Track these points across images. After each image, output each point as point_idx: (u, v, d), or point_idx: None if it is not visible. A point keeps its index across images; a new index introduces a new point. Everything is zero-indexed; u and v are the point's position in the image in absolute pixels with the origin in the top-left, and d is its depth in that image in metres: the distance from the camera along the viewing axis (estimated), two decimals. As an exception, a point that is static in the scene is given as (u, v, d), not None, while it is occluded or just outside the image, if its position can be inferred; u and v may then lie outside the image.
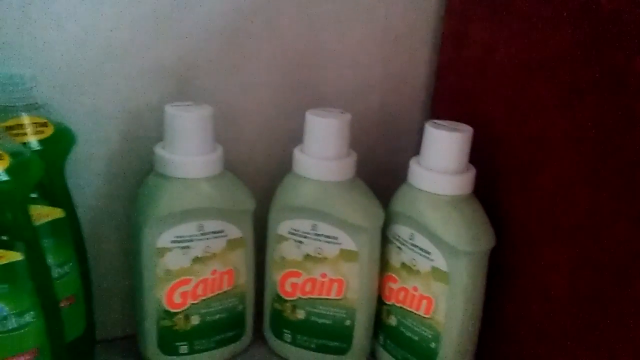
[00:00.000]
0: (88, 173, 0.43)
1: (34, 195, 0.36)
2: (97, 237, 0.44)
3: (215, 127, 0.41)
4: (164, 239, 0.41)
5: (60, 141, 0.38)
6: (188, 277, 0.42)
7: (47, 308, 0.33)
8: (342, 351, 0.46)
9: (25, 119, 0.36)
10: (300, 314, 0.45)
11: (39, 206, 0.36)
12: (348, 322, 0.45)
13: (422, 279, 0.42)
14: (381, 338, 0.46)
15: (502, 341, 0.44)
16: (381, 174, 0.49)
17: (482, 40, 0.44)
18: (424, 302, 0.42)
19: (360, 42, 0.47)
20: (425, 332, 0.43)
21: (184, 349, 0.44)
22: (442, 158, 0.41)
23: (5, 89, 0.35)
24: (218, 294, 0.44)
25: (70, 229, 0.39)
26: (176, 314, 0.43)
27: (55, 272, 0.38)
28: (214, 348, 0.45)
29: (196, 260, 0.42)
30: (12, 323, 0.32)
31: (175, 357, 0.44)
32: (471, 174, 0.41)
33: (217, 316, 0.44)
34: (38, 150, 0.36)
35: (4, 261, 0.31)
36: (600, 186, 0.35)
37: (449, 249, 0.40)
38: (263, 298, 0.47)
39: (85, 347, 0.43)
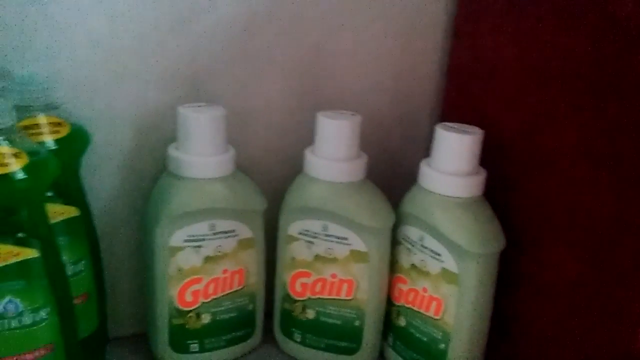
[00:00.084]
0: (102, 172, 0.43)
1: (49, 194, 0.36)
2: (111, 235, 0.45)
3: (228, 128, 0.41)
4: (177, 238, 0.41)
5: (75, 141, 0.38)
6: (199, 276, 0.42)
7: (61, 305, 0.34)
8: (351, 351, 0.46)
9: (42, 119, 0.36)
10: (310, 314, 0.46)
11: (54, 204, 0.37)
12: (357, 323, 0.45)
13: (431, 280, 0.42)
14: (390, 339, 0.47)
15: (511, 342, 0.44)
16: (392, 175, 0.49)
17: (493, 42, 0.44)
18: (434, 303, 0.42)
19: (371, 44, 0.47)
20: (435, 333, 0.43)
21: (194, 347, 0.44)
22: (452, 160, 0.41)
23: (22, 89, 0.36)
24: (229, 293, 0.44)
25: (84, 227, 0.40)
26: (187, 312, 0.43)
27: (69, 270, 0.38)
28: (224, 347, 0.45)
29: (208, 259, 0.42)
30: (27, 319, 0.32)
31: (185, 355, 0.44)
32: (481, 176, 0.41)
33: (228, 315, 0.45)
34: (54, 149, 0.36)
35: (20, 258, 0.32)
36: (610, 190, 0.35)
37: (459, 251, 0.40)
38: (273, 298, 0.47)
39: (98, 344, 0.44)
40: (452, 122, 0.42)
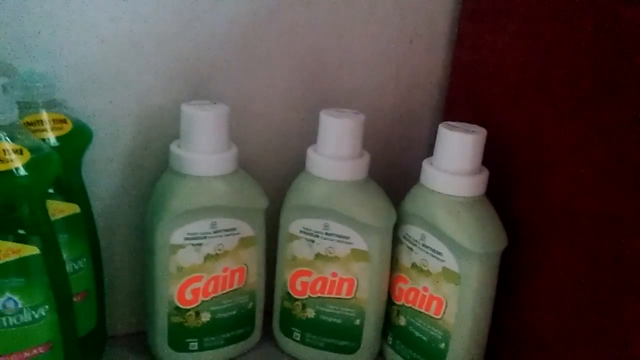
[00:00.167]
0: (104, 170, 0.43)
1: (50, 191, 0.36)
2: (111, 233, 0.45)
3: (230, 126, 0.41)
4: (177, 236, 0.41)
5: (77, 138, 0.38)
6: (200, 274, 0.42)
7: (61, 302, 0.34)
8: (351, 350, 0.46)
9: (45, 116, 0.36)
10: (310, 313, 0.46)
11: (55, 201, 0.37)
12: (357, 322, 0.45)
13: (432, 279, 0.42)
14: (390, 338, 0.47)
15: (512, 342, 0.44)
16: (394, 174, 0.49)
17: (496, 42, 0.44)
18: (434, 302, 0.42)
19: (374, 43, 0.47)
20: (435, 332, 0.43)
21: (193, 345, 0.44)
22: (455, 159, 0.41)
23: (26, 86, 0.36)
24: (229, 292, 0.44)
25: (84, 224, 0.39)
26: (187, 310, 0.43)
27: (69, 267, 0.38)
28: (223, 345, 0.45)
29: (208, 257, 0.42)
30: (27, 316, 0.32)
31: (185, 353, 0.44)
32: (484, 175, 0.41)
33: (227, 313, 0.44)
34: (56, 146, 0.36)
35: (20, 255, 0.31)
36: (613, 189, 0.35)
37: (461, 250, 0.40)
38: (273, 296, 0.47)
39: (96, 342, 0.43)
40: (455, 121, 0.42)
